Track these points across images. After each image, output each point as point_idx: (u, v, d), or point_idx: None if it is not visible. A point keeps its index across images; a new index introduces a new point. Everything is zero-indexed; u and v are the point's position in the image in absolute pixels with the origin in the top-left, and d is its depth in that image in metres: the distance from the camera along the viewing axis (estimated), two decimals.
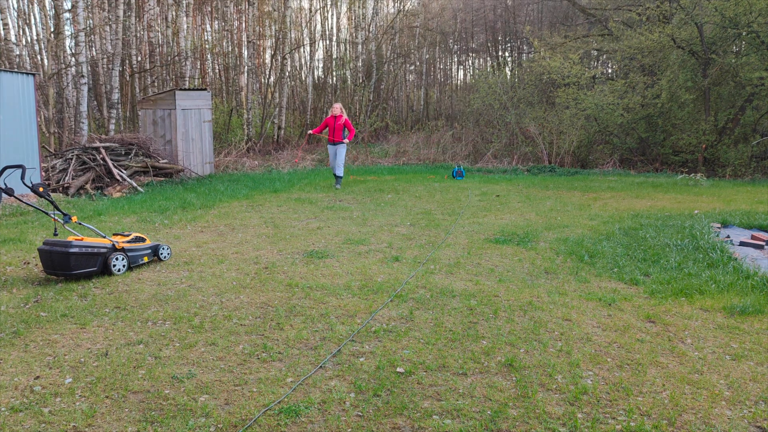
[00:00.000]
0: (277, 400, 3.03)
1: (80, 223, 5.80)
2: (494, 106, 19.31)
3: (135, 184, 11.15)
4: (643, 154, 17.24)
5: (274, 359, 3.54)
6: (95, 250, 5.42)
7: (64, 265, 5.23)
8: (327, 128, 11.96)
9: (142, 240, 6.00)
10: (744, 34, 15.38)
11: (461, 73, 30.14)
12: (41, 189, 5.32)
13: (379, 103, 23.28)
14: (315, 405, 3.00)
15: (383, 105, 23.72)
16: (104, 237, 5.76)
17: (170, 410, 2.93)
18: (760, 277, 5.12)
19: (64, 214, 5.56)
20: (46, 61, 15.83)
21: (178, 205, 9.36)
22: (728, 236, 7.10)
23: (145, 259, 5.91)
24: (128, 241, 5.82)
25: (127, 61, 16.77)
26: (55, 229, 5.67)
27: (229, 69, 21.40)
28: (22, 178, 5.31)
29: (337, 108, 11.74)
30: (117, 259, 5.56)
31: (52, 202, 5.39)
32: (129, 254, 5.71)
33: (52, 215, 5.65)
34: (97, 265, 5.43)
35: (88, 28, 14.78)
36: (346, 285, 5.02)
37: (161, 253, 6.06)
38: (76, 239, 5.43)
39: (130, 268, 5.68)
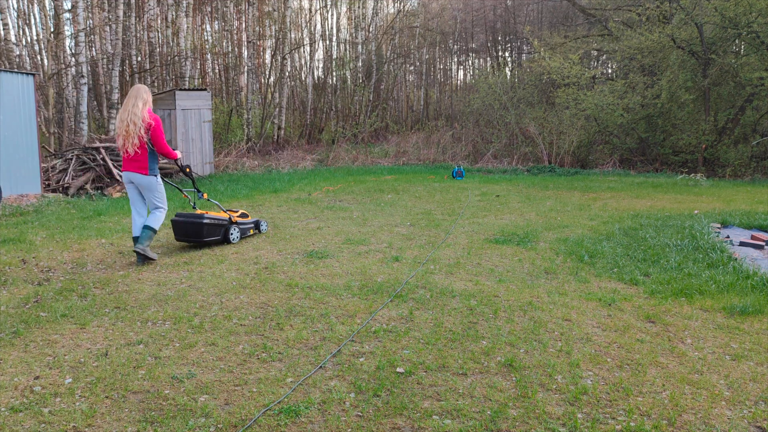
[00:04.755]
0: (277, 400, 3.03)
1: (209, 200, 6.95)
2: (494, 106, 19.32)
3: None
4: (643, 154, 17.24)
5: (274, 359, 3.54)
6: (220, 221, 6.58)
7: (198, 233, 6.37)
8: None
9: (246, 216, 7.07)
10: (744, 34, 15.37)
11: (461, 73, 30.16)
12: (188, 169, 6.54)
13: (379, 103, 23.27)
14: (315, 405, 2.99)
15: (383, 105, 23.72)
16: (225, 212, 6.85)
17: (170, 410, 2.93)
18: (760, 277, 5.12)
19: (198, 191, 6.72)
20: (46, 61, 15.82)
21: (178, 205, 9.36)
22: (728, 236, 7.10)
23: (251, 232, 7.06)
24: (239, 216, 6.90)
25: (127, 61, 16.77)
26: (194, 203, 6.83)
27: (229, 69, 21.40)
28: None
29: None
30: (233, 230, 6.71)
31: (193, 182, 6.72)
32: (240, 227, 6.81)
33: (184, 192, 6.76)
34: (221, 234, 6.60)
35: (88, 28, 14.78)
36: (346, 285, 5.02)
37: (261, 227, 7.22)
38: (200, 212, 6.50)
39: (240, 239, 6.79)
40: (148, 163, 5.80)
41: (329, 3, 23.30)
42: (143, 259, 5.80)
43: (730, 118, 16.24)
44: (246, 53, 20.17)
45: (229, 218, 6.68)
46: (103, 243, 6.73)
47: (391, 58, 24.12)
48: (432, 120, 24.61)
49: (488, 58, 27.55)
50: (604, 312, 4.42)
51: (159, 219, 5.95)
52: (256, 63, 20.58)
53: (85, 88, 13.50)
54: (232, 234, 6.68)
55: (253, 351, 3.65)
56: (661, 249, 6.27)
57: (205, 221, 6.36)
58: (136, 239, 5.88)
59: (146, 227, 5.84)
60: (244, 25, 20.59)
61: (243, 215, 7.04)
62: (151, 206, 5.98)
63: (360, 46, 23.46)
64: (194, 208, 6.77)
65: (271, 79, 21.07)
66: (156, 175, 5.90)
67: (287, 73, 21.52)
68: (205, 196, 6.75)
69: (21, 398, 3.05)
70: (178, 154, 6.09)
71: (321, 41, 23.67)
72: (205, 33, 21.05)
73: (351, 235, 7.16)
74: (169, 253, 6.27)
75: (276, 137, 19.48)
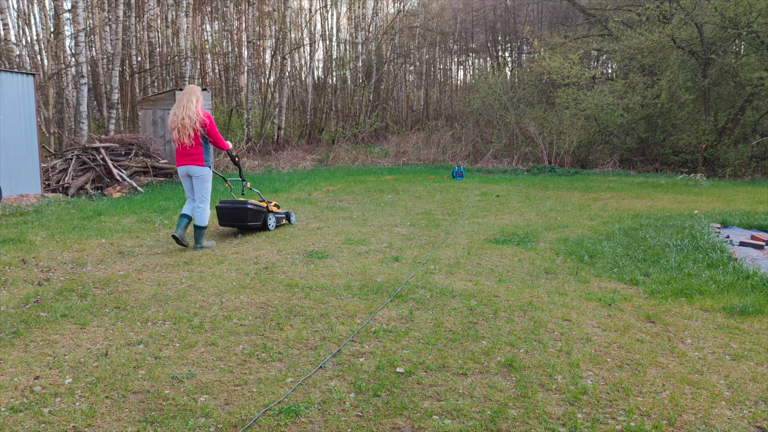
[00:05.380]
0: (277, 400, 3.03)
1: (252, 189, 7.75)
2: (494, 106, 19.32)
3: (135, 184, 11.14)
4: (643, 154, 17.23)
5: (274, 359, 3.54)
6: (260, 209, 7.21)
7: (242, 218, 7.02)
8: None
9: (278, 207, 7.74)
10: (744, 34, 15.37)
11: (461, 73, 30.16)
12: (237, 159, 7.19)
13: (379, 103, 23.27)
14: (315, 405, 2.99)
15: (383, 105, 23.71)
16: (264, 201, 7.50)
17: (170, 410, 2.93)
18: (760, 277, 5.12)
19: (243, 180, 7.45)
20: (46, 61, 15.82)
21: (178, 205, 9.36)
22: (728, 236, 7.10)
23: (284, 221, 7.75)
24: (273, 206, 7.54)
25: (127, 61, 16.77)
26: (243, 190, 7.55)
27: (229, 69, 21.39)
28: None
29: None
30: (271, 218, 7.36)
31: (240, 171, 7.41)
32: (275, 216, 7.48)
33: (228, 181, 7.47)
34: (261, 220, 7.22)
35: (88, 28, 14.77)
36: (346, 285, 5.02)
37: (291, 218, 7.86)
38: (243, 199, 7.15)
39: (274, 227, 7.45)
40: (203, 156, 6.44)
41: (329, 3, 23.29)
42: (179, 242, 6.41)
43: (730, 118, 16.23)
44: (246, 53, 20.17)
45: (267, 207, 7.32)
46: (103, 243, 6.73)
47: (391, 58, 24.11)
48: (432, 120, 24.61)
49: (488, 58, 27.55)
50: (604, 312, 4.42)
51: (205, 216, 6.54)
52: (256, 63, 20.58)
53: (85, 88, 13.50)
54: (269, 221, 7.32)
55: (253, 351, 3.65)
56: (661, 249, 6.27)
57: (249, 207, 7.02)
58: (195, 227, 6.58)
59: (195, 228, 6.51)
60: (244, 25, 20.60)
61: (276, 206, 7.63)
62: (198, 197, 6.55)
63: (360, 46, 23.45)
64: (243, 194, 7.64)
65: (271, 79, 21.06)
66: (210, 167, 6.52)
67: (287, 73, 21.52)
68: (249, 185, 7.56)
69: (21, 398, 3.05)
70: (230, 145, 6.71)
71: (321, 41, 23.68)
72: (205, 33, 21.05)
73: (351, 235, 7.16)
74: (169, 253, 6.27)
75: (276, 137, 19.48)
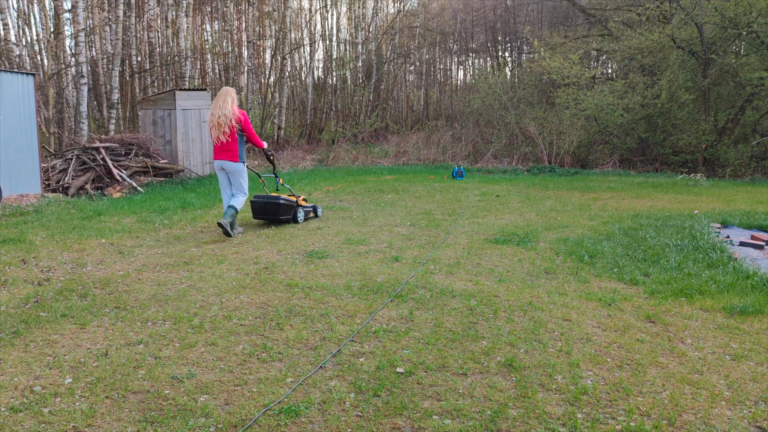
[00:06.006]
0: (277, 400, 3.03)
1: (284, 185, 8.30)
2: (494, 106, 19.31)
3: (135, 185, 11.15)
4: (643, 154, 17.23)
5: (274, 359, 3.54)
6: (291, 203, 7.77)
7: (275, 212, 7.62)
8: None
9: (306, 201, 8.25)
10: (744, 34, 15.37)
11: (461, 73, 30.14)
12: (272, 157, 7.98)
13: (379, 103, 23.27)
14: (315, 405, 2.99)
15: (383, 105, 23.71)
16: (294, 196, 8.03)
17: (170, 410, 2.93)
18: (760, 277, 5.12)
19: (276, 177, 8.04)
20: (46, 61, 15.81)
21: (178, 205, 9.36)
22: (728, 236, 7.10)
23: (311, 215, 8.27)
24: (302, 201, 8.07)
25: (127, 61, 16.77)
26: (277, 186, 8.15)
27: (229, 69, 21.38)
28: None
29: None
30: (300, 212, 7.88)
31: (274, 167, 8.10)
32: (304, 210, 7.99)
33: (261, 177, 8.20)
34: (292, 214, 7.78)
35: (88, 28, 14.77)
36: (346, 285, 5.02)
37: (318, 212, 8.39)
38: (275, 194, 7.75)
39: (303, 220, 7.99)
40: (239, 152, 7.01)
41: (329, 3, 23.29)
42: (225, 232, 6.93)
43: (730, 118, 16.23)
44: (246, 53, 20.16)
45: (296, 201, 7.83)
46: (103, 243, 6.73)
47: (391, 58, 24.11)
48: (432, 120, 24.60)
49: (488, 58, 27.54)
50: (604, 312, 4.42)
51: (241, 202, 7.12)
52: (256, 63, 20.58)
53: (85, 88, 13.50)
54: (299, 215, 7.87)
55: (253, 351, 3.65)
56: (661, 249, 6.27)
57: (282, 202, 7.61)
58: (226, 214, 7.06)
59: (230, 206, 7.02)
60: (244, 25, 20.58)
61: (304, 200, 8.15)
62: (237, 190, 7.15)
63: (360, 46, 23.46)
64: (277, 190, 8.22)
65: (271, 79, 21.06)
66: (244, 162, 7.12)
67: (287, 73, 21.52)
68: (281, 181, 8.09)
69: (21, 398, 3.05)
70: (265, 144, 7.36)
71: (321, 41, 23.67)
72: (205, 33, 21.05)
73: (351, 235, 7.16)
74: (169, 253, 6.27)
75: (276, 137, 19.47)
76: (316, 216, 8.33)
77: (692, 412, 2.94)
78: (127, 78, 17.03)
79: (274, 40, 20.99)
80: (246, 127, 6.99)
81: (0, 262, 5.81)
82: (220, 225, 6.89)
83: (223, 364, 3.46)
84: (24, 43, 16.53)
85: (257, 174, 7.74)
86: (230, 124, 6.84)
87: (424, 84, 26.83)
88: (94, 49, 16.43)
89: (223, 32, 21.35)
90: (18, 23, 16.64)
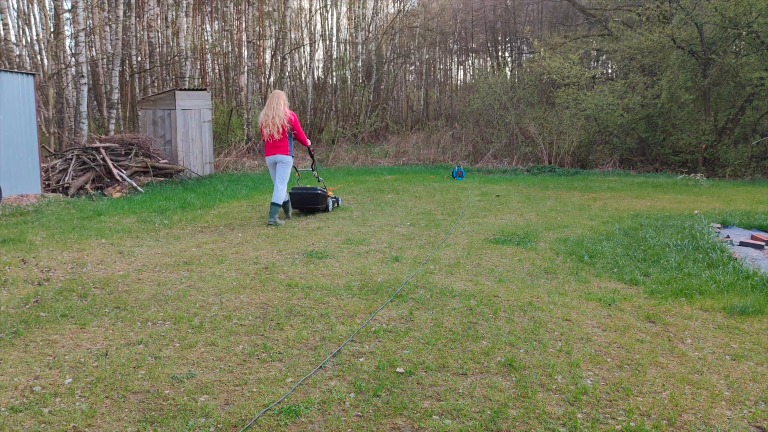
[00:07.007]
0: (277, 400, 3.03)
1: (319, 179, 9.13)
2: (494, 106, 19.30)
3: (135, 184, 11.15)
4: (643, 154, 17.23)
5: (274, 359, 3.54)
6: (325, 194, 8.62)
7: (313, 201, 8.46)
8: None
9: (330, 192, 9.04)
10: (744, 34, 15.37)
11: (461, 73, 30.13)
12: (313, 153, 9.07)
13: (379, 103, 23.26)
14: (315, 405, 2.99)
15: (383, 105, 23.70)
16: (326, 188, 8.81)
17: (170, 410, 2.93)
18: (760, 277, 5.12)
19: (314, 170, 8.99)
20: (46, 61, 15.81)
21: (178, 205, 9.36)
22: (728, 236, 7.10)
23: (336, 205, 9.08)
24: (330, 192, 8.86)
25: (127, 61, 16.76)
26: (318, 178, 9.08)
27: (229, 69, 21.38)
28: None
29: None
30: (330, 202, 8.77)
31: (313, 162, 9.08)
32: (332, 200, 8.84)
33: (297, 171, 9.13)
34: (325, 203, 8.60)
35: (88, 28, 14.77)
36: (346, 285, 5.02)
37: (339, 202, 9.21)
38: (310, 186, 8.71)
39: (331, 210, 8.82)
40: (289, 147, 7.85)
41: (329, 3, 23.29)
42: (275, 224, 7.72)
43: (730, 118, 16.23)
44: (246, 53, 20.15)
45: (325, 192, 8.67)
46: (103, 243, 6.73)
47: (391, 58, 24.11)
48: (432, 120, 24.59)
49: (488, 58, 27.54)
50: (604, 312, 4.42)
51: (281, 194, 7.82)
52: (256, 63, 20.58)
53: (85, 88, 13.50)
54: (329, 205, 8.72)
55: (253, 351, 3.65)
56: (661, 249, 6.27)
57: (319, 192, 8.47)
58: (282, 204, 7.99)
59: (272, 204, 7.77)
60: (244, 25, 20.57)
61: (330, 191, 9.00)
62: (278, 179, 7.85)
63: (360, 46, 23.45)
64: (319, 181, 9.10)
65: (271, 79, 21.06)
66: (293, 156, 7.97)
67: (287, 73, 21.52)
68: (316, 175, 8.97)
69: (21, 398, 3.05)
70: (309, 142, 8.27)
71: (321, 41, 23.67)
72: (205, 33, 21.04)
73: (351, 235, 7.16)
74: (169, 253, 6.27)
75: None
76: (338, 206, 9.17)
77: (692, 412, 2.94)
78: (127, 78, 17.03)
79: (274, 40, 20.99)
80: (296, 126, 7.82)
81: (0, 262, 5.81)
82: (269, 225, 7.69)
83: (223, 364, 3.46)
84: (24, 43, 16.52)
85: (294, 168, 8.39)
86: (283, 124, 7.65)
87: (424, 84, 26.83)
88: (94, 49, 16.43)
89: (223, 32, 21.35)
90: (18, 23, 16.63)
